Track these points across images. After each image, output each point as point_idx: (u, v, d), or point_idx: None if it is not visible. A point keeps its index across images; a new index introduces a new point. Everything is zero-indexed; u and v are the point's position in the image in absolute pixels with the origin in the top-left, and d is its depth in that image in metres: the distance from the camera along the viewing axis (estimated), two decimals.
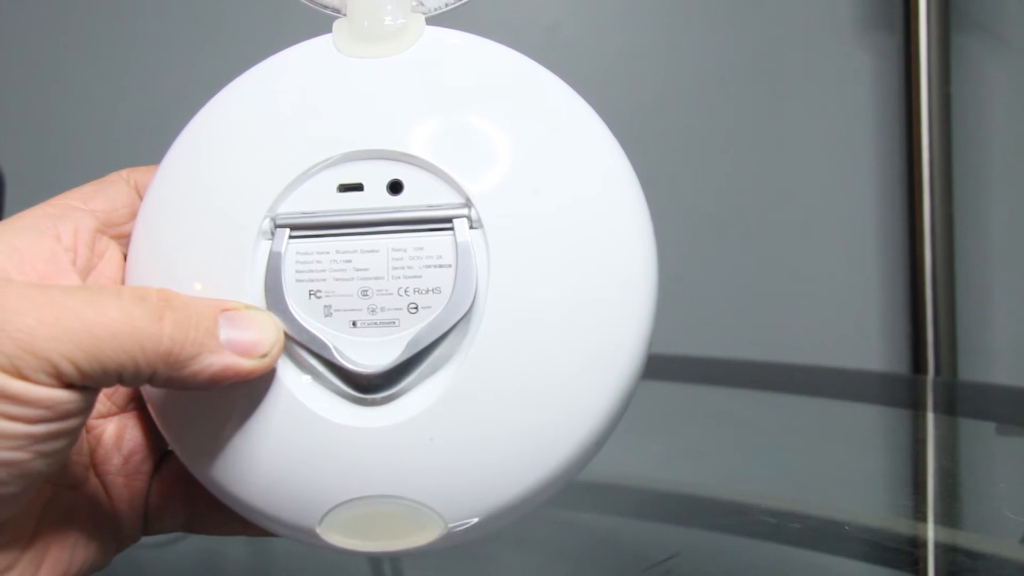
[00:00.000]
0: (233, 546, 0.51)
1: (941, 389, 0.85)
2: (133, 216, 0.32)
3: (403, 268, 0.29)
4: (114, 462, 0.32)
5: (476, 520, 0.29)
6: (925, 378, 0.94)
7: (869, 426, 0.73)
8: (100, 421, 0.32)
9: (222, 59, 1.00)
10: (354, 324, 0.29)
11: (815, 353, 0.99)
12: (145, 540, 0.33)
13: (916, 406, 0.80)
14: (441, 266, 0.29)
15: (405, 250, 0.29)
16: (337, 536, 0.29)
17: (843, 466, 0.61)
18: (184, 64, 1.04)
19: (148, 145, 0.33)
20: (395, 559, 0.48)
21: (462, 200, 0.29)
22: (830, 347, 1.00)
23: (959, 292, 0.96)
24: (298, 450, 0.29)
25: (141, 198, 0.32)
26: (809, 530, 0.50)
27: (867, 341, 1.00)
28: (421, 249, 0.29)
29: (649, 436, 0.66)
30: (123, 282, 0.31)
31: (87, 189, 0.32)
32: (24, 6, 1.08)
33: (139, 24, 1.07)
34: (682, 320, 0.99)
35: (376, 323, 0.29)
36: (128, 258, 0.31)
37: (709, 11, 1.00)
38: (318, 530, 0.29)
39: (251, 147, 0.30)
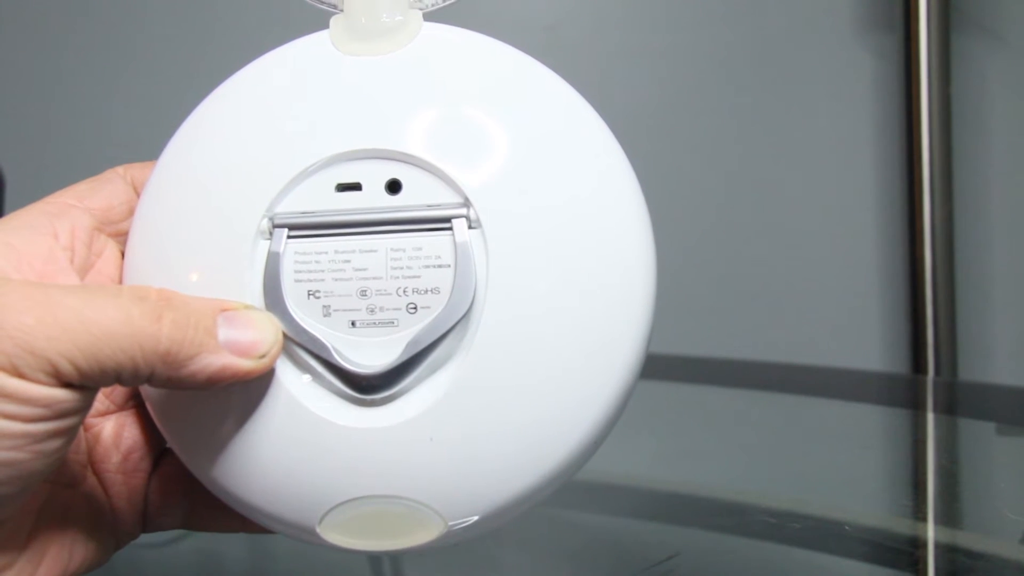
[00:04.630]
0: (233, 546, 0.51)
1: (941, 389, 0.85)
2: (130, 213, 0.32)
3: (402, 268, 0.29)
4: (112, 460, 0.32)
5: (476, 519, 0.29)
6: (925, 378, 0.94)
7: (869, 426, 0.73)
8: (98, 419, 0.32)
9: (219, 56, 1.00)
10: (353, 324, 0.29)
11: (815, 353, 0.99)
12: (145, 540, 0.33)
13: (916, 406, 0.80)
14: (440, 266, 0.29)
15: (404, 250, 0.29)
16: (337, 535, 0.29)
17: (843, 466, 0.61)
18: (181, 61, 1.04)
19: (147, 142, 0.33)
20: (395, 559, 0.48)
21: (461, 200, 0.29)
22: (830, 347, 1.00)
23: (959, 292, 0.96)
24: (298, 450, 0.29)
25: (138, 194, 0.32)
26: (809, 530, 0.50)
27: (867, 341, 1.00)
28: (420, 249, 0.29)
29: (649, 436, 0.66)
30: (121, 280, 0.31)
31: (83, 187, 0.31)
32: (23, 6, 1.08)
33: (137, 22, 1.07)
34: (682, 320, 0.99)
35: (375, 323, 0.29)
36: (125, 256, 0.31)
37: (709, 11, 1.00)
38: (318, 529, 0.29)
39: (248, 146, 0.30)
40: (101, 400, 0.32)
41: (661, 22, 1.00)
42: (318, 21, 0.32)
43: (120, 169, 0.32)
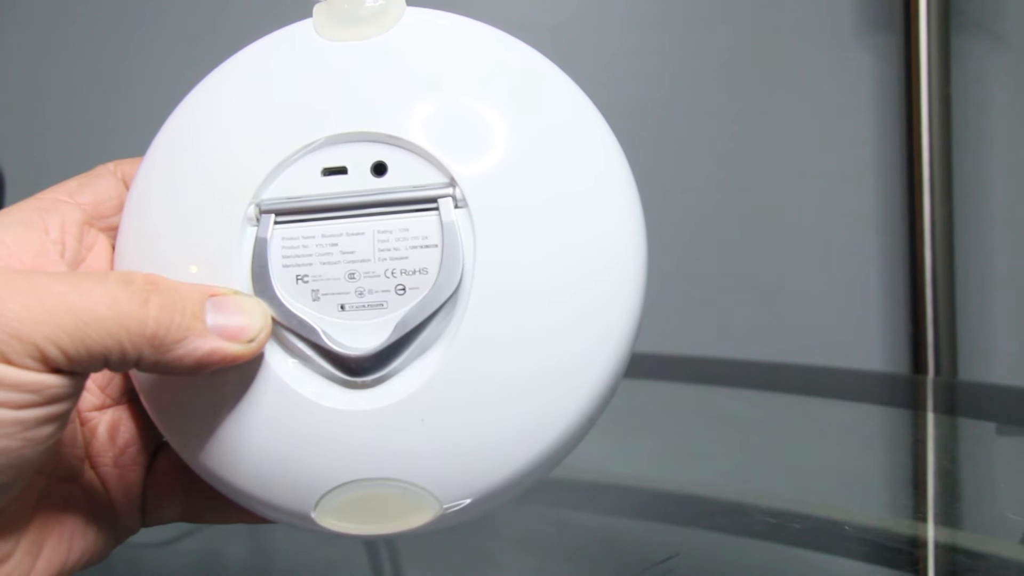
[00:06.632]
0: (233, 545, 0.51)
1: (941, 389, 0.85)
2: (121, 208, 0.32)
3: (389, 250, 0.29)
4: (109, 454, 0.32)
5: (470, 500, 0.29)
6: (925, 378, 0.94)
7: (869, 426, 0.73)
8: (95, 414, 0.32)
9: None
10: (342, 307, 0.29)
11: (815, 353, 0.99)
12: (145, 539, 0.34)
13: (916, 406, 0.79)
14: (427, 246, 0.29)
15: (391, 232, 0.29)
16: (332, 520, 0.29)
17: (843, 466, 0.61)
18: (179, 58, 1.04)
19: (146, 140, 0.33)
20: (394, 558, 0.48)
21: (446, 180, 0.29)
22: (830, 347, 1.00)
23: (959, 292, 0.96)
24: (290, 435, 0.29)
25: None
26: (809, 530, 0.50)
27: (867, 341, 1.00)
28: (407, 230, 0.29)
29: (649, 436, 0.66)
30: None
31: (74, 183, 0.32)
32: (23, 6, 1.09)
33: (134, 21, 1.07)
34: (682, 320, 0.99)
35: (364, 306, 0.29)
36: (116, 248, 0.31)
37: (708, 11, 1.00)
38: (313, 515, 0.29)
39: (234, 134, 0.30)
40: (97, 394, 0.32)
41: (661, 21, 1.00)
42: (302, 10, 0.32)
43: (111, 165, 0.33)
